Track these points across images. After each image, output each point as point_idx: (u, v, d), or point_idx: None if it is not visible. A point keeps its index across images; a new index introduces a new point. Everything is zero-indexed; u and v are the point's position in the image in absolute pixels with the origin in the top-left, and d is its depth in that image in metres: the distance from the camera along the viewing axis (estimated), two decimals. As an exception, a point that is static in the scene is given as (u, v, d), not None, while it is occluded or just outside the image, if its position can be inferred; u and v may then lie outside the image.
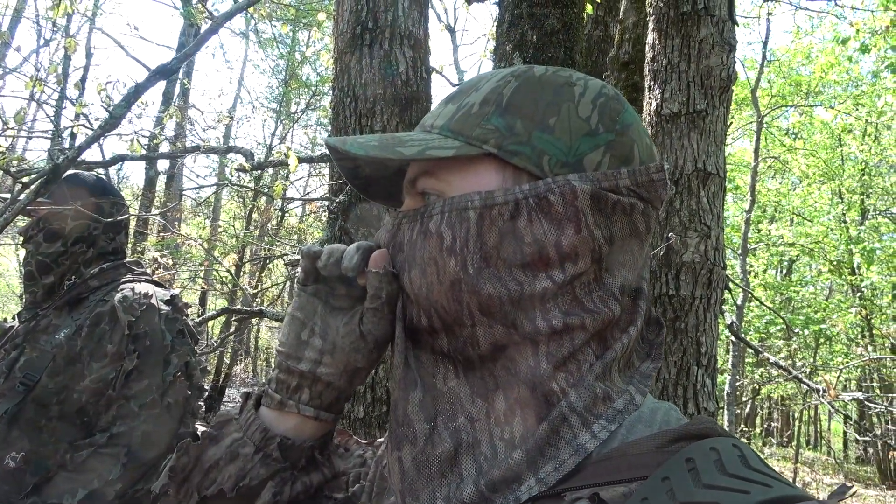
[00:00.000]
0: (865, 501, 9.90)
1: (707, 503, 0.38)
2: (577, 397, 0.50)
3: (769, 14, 6.34)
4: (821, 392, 3.09)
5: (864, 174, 12.85)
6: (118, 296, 1.53)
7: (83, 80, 9.51)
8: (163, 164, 9.95)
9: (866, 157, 12.03)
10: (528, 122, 0.53)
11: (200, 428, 1.69)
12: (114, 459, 1.40)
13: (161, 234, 7.72)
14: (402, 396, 0.55)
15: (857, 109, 10.89)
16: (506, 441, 0.51)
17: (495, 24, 3.52)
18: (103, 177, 1.66)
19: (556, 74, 0.57)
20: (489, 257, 0.52)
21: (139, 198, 9.63)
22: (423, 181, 0.57)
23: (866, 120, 10.74)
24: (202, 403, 1.61)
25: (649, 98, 1.91)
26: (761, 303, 8.22)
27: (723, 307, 1.85)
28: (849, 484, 0.48)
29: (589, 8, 3.06)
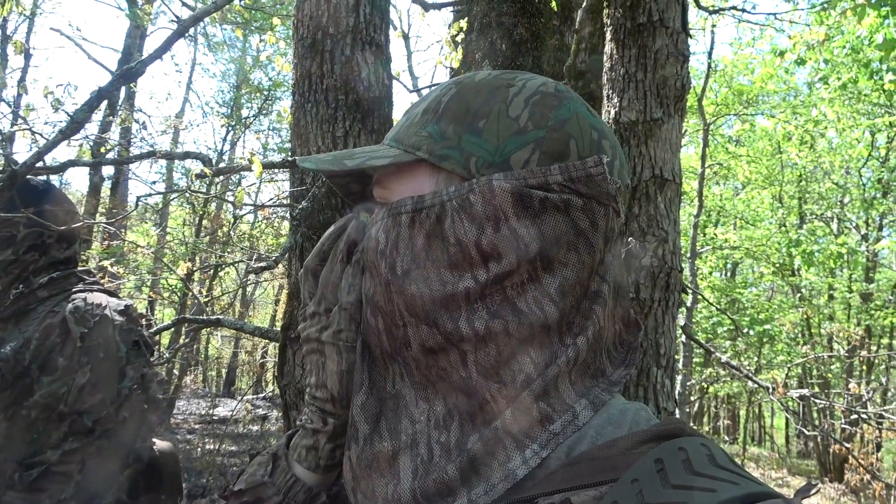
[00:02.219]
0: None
1: (675, 503, 0.39)
2: (512, 419, 0.49)
3: (713, 26, 6.59)
4: (771, 390, 3.22)
5: (801, 180, 13.46)
6: (69, 306, 1.46)
7: (20, 81, 9.12)
8: (107, 170, 9.60)
9: (804, 164, 12.60)
10: (459, 127, 0.53)
11: (157, 442, 1.63)
12: (66, 478, 1.33)
13: (106, 242, 7.45)
14: (351, 400, 0.57)
15: (796, 118, 11.40)
16: (442, 444, 0.51)
17: (449, 29, 3.54)
18: (54, 184, 1.60)
19: (497, 78, 0.56)
20: (418, 258, 0.52)
21: (82, 204, 9.28)
22: (375, 191, 0.59)
23: (805, 129, 11.26)
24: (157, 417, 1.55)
25: (608, 106, 1.96)
26: (711, 304, 8.48)
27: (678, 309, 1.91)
28: (814, 482, 0.49)
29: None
